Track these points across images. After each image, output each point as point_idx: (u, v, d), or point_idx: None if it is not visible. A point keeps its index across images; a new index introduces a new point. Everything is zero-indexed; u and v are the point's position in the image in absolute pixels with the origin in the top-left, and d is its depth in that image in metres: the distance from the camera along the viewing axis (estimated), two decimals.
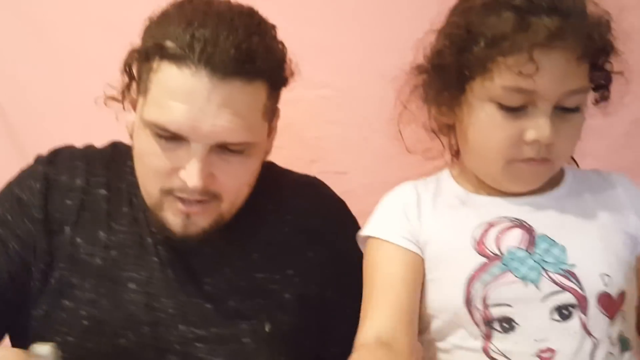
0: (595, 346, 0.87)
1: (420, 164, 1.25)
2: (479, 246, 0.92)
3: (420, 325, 0.97)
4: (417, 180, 1.05)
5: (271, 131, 1.02)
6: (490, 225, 0.94)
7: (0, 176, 1.08)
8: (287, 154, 1.13)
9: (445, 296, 0.93)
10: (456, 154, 1.03)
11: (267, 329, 0.99)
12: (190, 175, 0.91)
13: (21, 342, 0.99)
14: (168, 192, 0.94)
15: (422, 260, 0.96)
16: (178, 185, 0.93)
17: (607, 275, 0.89)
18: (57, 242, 1.01)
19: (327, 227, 1.07)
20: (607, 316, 0.88)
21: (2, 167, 1.13)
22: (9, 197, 1.03)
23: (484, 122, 0.91)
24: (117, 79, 1.00)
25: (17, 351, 0.77)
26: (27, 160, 1.08)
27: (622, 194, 0.99)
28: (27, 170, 1.06)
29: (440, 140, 1.04)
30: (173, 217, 0.96)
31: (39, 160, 1.07)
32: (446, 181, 1.03)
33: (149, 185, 0.97)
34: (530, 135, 0.88)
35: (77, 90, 1.32)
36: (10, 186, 1.05)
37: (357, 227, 1.08)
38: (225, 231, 1.00)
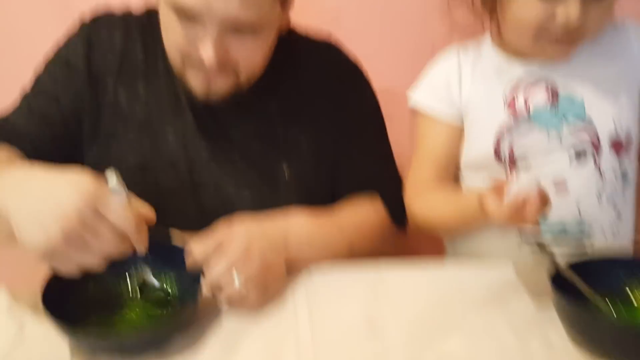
0: (604, 182, 1.06)
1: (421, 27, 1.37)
2: (510, 105, 1.07)
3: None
4: (458, 46, 1.17)
5: (285, 7, 1.05)
6: (520, 86, 1.07)
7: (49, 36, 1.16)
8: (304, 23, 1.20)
9: (478, 150, 1.10)
10: (497, 30, 1.12)
11: (286, 177, 1.11)
12: (206, 52, 0.97)
13: None
14: (188, 63, 1.01)
15: (462, 125, 1.11)
16: (196, 59, 0.99)
17: (617, 122, 1.05)
18: (102, 93, 1.10)
19: (342, 85, 1.16)
20: (617, 156, 1.05)
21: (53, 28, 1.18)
22: (58, 59, 1.12)
23: (521, 2, 1.01)
24: None
25: (90, 176, 0.84)
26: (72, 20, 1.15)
27: (635, 44, 1.09)
28: (73, 36, 1.14)
29: (481, 17, 1.13)
30: (195, 82, 1.03)
31: (82, 25, 1.14)
32: (487, 48, 1.15)
33: (172, 54, 1.04)
34: (560, 18, 0.97)
35: None
36: (59, 48, 1.14)
37: (369, 85, 1.20)
38: (249, 89, 1.08)
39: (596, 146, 1.05)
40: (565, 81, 1.07)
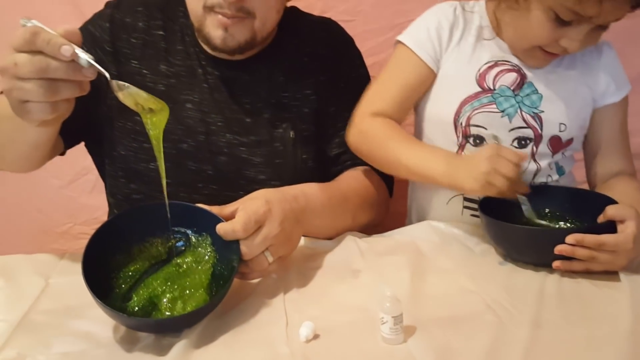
0: (538, 170, 1.17)
1: (413, 11, 1.39)
2: (480, 79, 1.17)
3: (416, 131, 1.26)
4: (459, 1, 1.23)
5: None
6: (495, 64, 1.17)
7: None
8: (303, 6, 1.35)
9: (441, 110, 1.19)
10: (497, 23, 1.18)
11: (291, 135, 1.23)
12: None
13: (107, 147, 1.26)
14: (209, 9, 1.13)
15: (435, 76, 1.19)
16: (217, 1, 1.11)
17: (564, 124, 1.16)
18: (125, 72, 1.22)
19: (338, 56, 1.31)
20: (552, 152, 1.17)
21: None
22: (83, 33, 1.14)
23: (534, 20, 1.08)
24: None
25: None
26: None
27: (603, 58, 1.20)
28: (98, 13, 1.27)
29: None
30: (214, 30, 1.15)
31: (107, 4, 1.28)
32: (483, 17, 1.21)
33: (192, 4, 1.15)
34: (563, 44, 1.08)
35: None
36: (85, 25, 1.26)
37: (361, 58, 1.34)
38: (257, 62, 1.24)
39: (537, 138, 1.16)
40: (535, 74, 1.17)
